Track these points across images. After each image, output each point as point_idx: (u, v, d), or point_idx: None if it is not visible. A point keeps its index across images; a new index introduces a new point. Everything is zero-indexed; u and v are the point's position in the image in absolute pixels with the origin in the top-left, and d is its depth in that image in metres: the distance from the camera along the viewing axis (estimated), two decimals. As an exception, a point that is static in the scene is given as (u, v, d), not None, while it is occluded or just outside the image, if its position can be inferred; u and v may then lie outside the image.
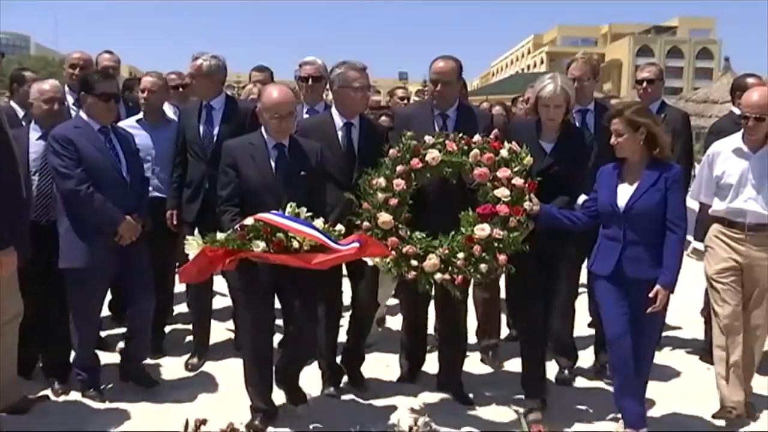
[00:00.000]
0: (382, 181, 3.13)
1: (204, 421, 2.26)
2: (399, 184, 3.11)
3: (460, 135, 3.16)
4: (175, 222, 3.87)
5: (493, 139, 3.13)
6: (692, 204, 3.58)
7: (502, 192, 2.99)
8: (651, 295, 2.87)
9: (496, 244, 2.96)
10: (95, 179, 3.26)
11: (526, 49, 55.86)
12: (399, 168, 3.13)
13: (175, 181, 3.88)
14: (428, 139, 3.16)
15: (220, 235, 2.82)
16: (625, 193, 2.98)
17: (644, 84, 4.16)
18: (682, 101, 16.03)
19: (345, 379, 3.63)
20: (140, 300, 3.50)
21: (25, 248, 2.99)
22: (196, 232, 2.92)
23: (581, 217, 3.10)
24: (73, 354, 3.55)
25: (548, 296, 3.38)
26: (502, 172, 3.03)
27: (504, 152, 3.08)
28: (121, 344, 3.83)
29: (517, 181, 3.01)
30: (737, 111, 3.92)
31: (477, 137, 3.14)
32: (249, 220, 2.82)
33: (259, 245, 2.76)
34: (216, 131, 3.74)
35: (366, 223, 3.12)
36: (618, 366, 3.05)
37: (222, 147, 3.25)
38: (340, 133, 3.39)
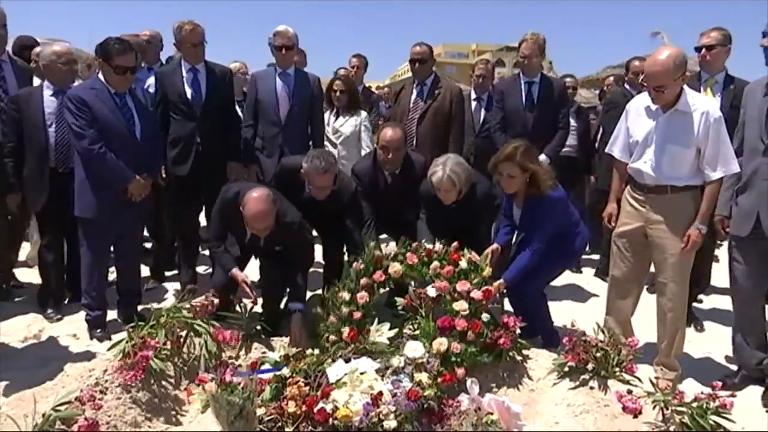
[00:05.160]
0: (346, 294, 3.24)
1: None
2: (363, 297, 3.22)
3: (423, 247, 3.26)
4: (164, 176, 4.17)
5: (453, 250, 3.21)
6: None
7: (461, 305, 3.03)
8: (492, 288, 3.15)
9: (453, 359, 2.99)
10: (108, 139, 3.41)
11: (422, 59, 79.62)
12: (363, 281, 3.25)
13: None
14: (390, 249, 3.27)
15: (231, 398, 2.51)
16: (516, 215, 3.46)
17: (702, 51, 3.79)
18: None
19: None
20: (129, 254, 3.86)
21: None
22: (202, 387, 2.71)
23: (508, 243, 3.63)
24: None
25: None
26: (461, 286, 3.08)
27: (463, 263, 3.14)
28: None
29: (476, 294, 3.06)
30: (628, 87, 4.77)
31: (438, 245, 3.22)
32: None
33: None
34: (204, 91, 4.15)
35: (332, 337, 3.23)
36: None
37: (225, 198, 3.44)
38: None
